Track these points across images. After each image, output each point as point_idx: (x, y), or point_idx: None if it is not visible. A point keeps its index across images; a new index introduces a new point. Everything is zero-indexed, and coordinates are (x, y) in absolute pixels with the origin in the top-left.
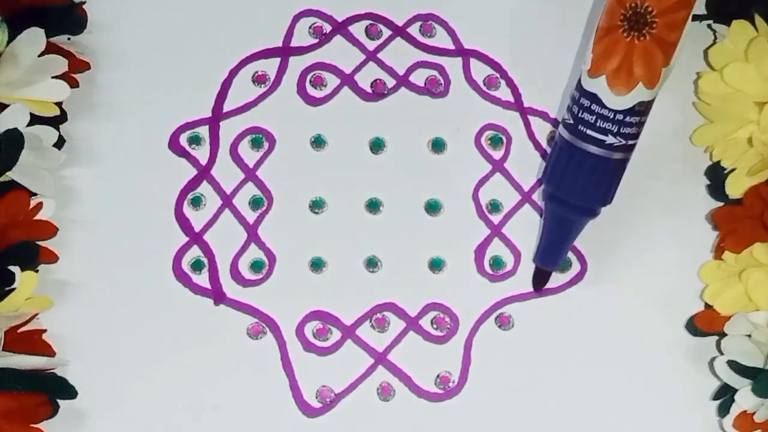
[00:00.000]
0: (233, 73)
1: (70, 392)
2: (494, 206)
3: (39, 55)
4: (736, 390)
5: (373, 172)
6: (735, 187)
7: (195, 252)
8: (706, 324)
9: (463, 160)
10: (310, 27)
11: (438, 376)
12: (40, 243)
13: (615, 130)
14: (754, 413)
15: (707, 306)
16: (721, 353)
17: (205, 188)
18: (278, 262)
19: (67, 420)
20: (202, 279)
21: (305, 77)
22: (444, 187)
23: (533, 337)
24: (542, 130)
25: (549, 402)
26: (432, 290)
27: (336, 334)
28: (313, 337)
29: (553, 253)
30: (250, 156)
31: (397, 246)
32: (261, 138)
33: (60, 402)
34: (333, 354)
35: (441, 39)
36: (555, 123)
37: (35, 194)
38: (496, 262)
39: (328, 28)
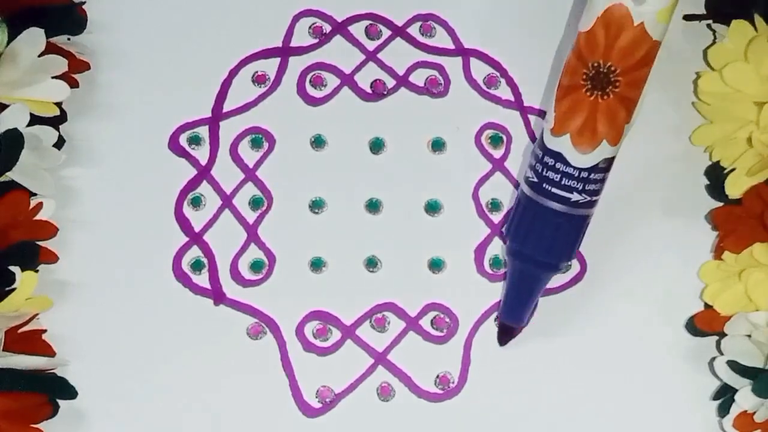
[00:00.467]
0: (233, 73)
1: (70, 392)
2: (494, 205)
3: (39, 56)
4: (736, 390)
5: (373, 172)
6: (735, 187)
7: (195, 252)
8: (706, 324)
9: (463, 159)
10: (309, 27)
11: (438, 376)
12: (40, 243)
13: (580, 188)
14: (754, 413)
15: (707, 306)
16: (721, 353)
17: (204, 188)
18: (278, 262)
19: (67, 420)
20: (202, 279)
21: (305, 77)
22: (444, 186)
23: (533, 338)
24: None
25: (549, 402)
26: (432, 290)
27: (336, 334)
28: (313, 337)
29: (518, 309)
30: (249, 156)
31: (397, 246)
32: (261, 138)
33: (60, 402)
34: (333, 354)
35: (441, 39)
36: None
37: (35, 194)
38: (496, 262)
39: (327, 28)
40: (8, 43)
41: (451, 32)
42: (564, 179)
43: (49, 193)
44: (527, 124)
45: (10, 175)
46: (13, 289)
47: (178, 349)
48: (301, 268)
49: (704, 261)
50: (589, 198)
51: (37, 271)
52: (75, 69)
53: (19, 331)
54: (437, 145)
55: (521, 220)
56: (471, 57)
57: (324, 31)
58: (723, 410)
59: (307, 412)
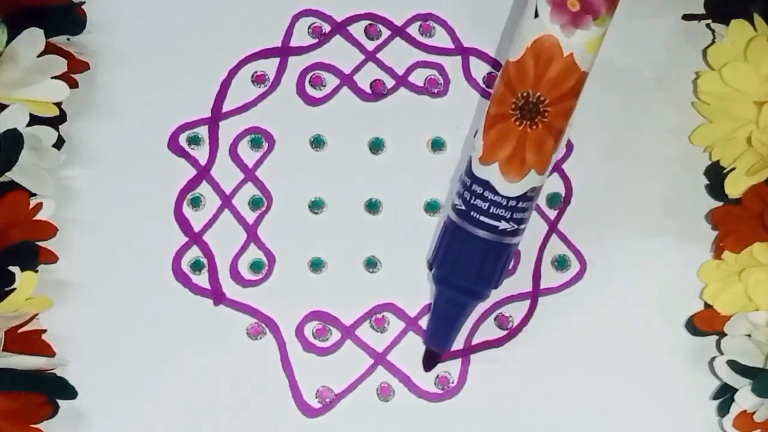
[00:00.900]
0: (232, 73)
1: (70, 392)
2: None
3: (38, 56)
4: (736, 390)
5: (372, 172)
6: (734, 187)
7: (195, 252)
8: (705, 324)
9: (463, 159)
10: (309, 27)
11: (438, 376)
12: (40, 243)
13: (508, 216)
14: (754, 413)
15: (707, 306)
16: (721, 353)
17: (204, 188)
18: (278, 263)
19: (67, 420)
20: (202, 279)
21: (304, 77)
22: (444, 186)
23: (533, 337)
24: None
25: (548, 402)
26: (432, 290)
27: (336, 335)
28: (313, 338)
29: (444, 335)
30: (249, 156)
31: (396, 246)
32: (260, 138)
33: (60, 402)
34: (333, 354)
35: (440, 38)
36: None
37: (35, 194)
38: None
39: (327, 28)
40: (8, 43)
41: (450, 32)
42: (492, 207)
43: (49, 194)
44: None
45: (10, 176)
46: (13, 290)
47: (178, 349)
48: (300, 268)
49: (704, 261)
50: (516, 226)
51: (36, 272)
52: (74, 69)
53: (19, 331)
54: (437, 145)
55: (448, 247)
56: (470, 56)
57: (323, 31)
58: (723, 410)
59: (307, 412)
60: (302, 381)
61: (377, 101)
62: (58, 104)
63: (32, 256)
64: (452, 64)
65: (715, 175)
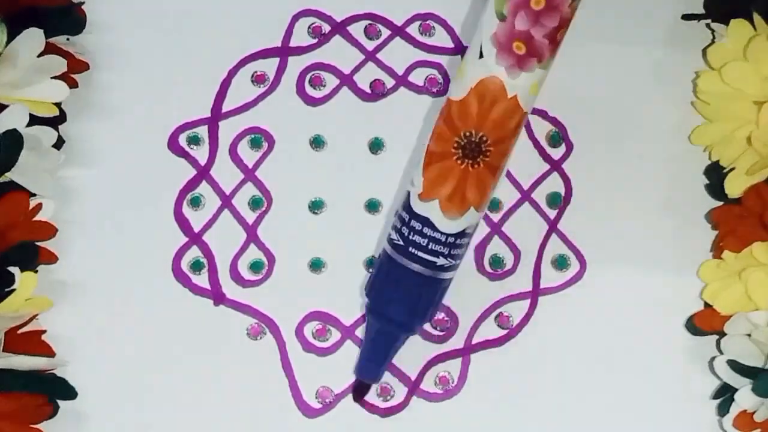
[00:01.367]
0: (232, 73)
1: (70, 393)
2: (494, 204)
3: (38, 56)
4: (736, 389)
5: (372, 172)
6: (734, 187)
7: (194, 252)
8: (705, 323)
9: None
10: (309, 27)
11: (438, 376)
12: (40, 244)
13: (446, 252)
14: (754, 413)
15: (707, 305)
16: (721, 353)
17: (204, 188)
18: (277, 263)
19: (67, 420)
20: (202, 279)
21: (304, 77)
22: None
23: (532, 337)
24: (541, 128)
25: (548, 402)
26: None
27: (335, 335)
28: (313, 338)
29: (374, 367)
30: (249, 156)
31: None
32: (260, 138)
33: (60, 402)
34: (333, 354)
35: (440, 38)
36: (554, 121)
37: (34, 195)
38: (496, 261)
39: (327, 28)
40: (8, 43)
41: (450, 31)
42: (431, 244)
43: (49, 194)
44: (526, 123)
45: (10, 176)
46: (13, 290)
47: (178, 349)
48: (300, 268)
49: (704, 260)
50: (453, 262)
51: (36, 272)
52: (74, 69)
53: (19, 331)
54: None
55: (384, 281)
56: None
57: (323, 31)
58: (723, 410)
59: (307, 412)
60: (302, 381)
61: (377, 101)
62: (58, 104)
63: (32, 257)
64: (452, 64)
65: (715, 175)
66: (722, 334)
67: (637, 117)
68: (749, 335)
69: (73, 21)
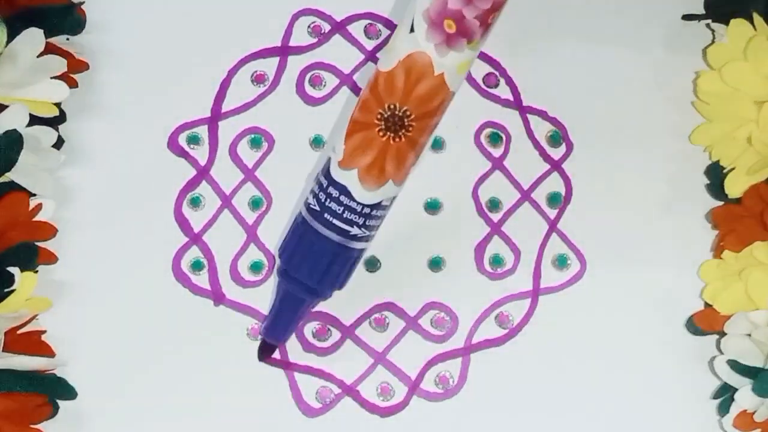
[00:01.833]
0: (232, 72)
1: (69, 393)
2: (494, 204)
3: (38, 56)
4: (736, 389)
5: None
6: (734, 186)
7: (194, 252)
8: (705, 323)
9: (463, 158)
10: (308, 26)
11: (438, 375)
12: (40, 244)
13: (361, 222)
14: (754, 412)
15: (707, 305)
16: (721, 352)
17: (204, 188)
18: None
19: (66, 420)
20: (202, 279)
21: (304, 77)
22: (443, 185)
23: (533, 336)
24: (541, 128)
25: (548, 401)
26: (431, 289)
27: (335, 335)
28: (313, 338)
29: (281, 328)
30: (249, 156)
31: (396, 245)
32: (260, 138)
33: (60, 402)
34: (333, 354)
35: None
36: (554, 121)
37: (34, 195)
38: (496, 261)
39: (326, 27)
40: (7, 43)
41: None
42: (346, 212)
43: (49, 194)
44: (526, 123)
45: (10, 176)
46: (13, 290)
47: (178, 349)
48: None
49: (704, 260)
50: (367, 233)
51: (36, 272)
52: (74, 69)
53: (19, 331)
54: (437, 144)
55: (297, 245)
56: None
57: (323, 31)
58: (723, 409)
59: (307, 412)
60: (302, 381)
61: None
62: (58, 104)
63: (32, 257)
64: None
65: (715, 175)
66: (722, 334)
67: (637, 117)
68: (749, 335)
69: (73, 21)
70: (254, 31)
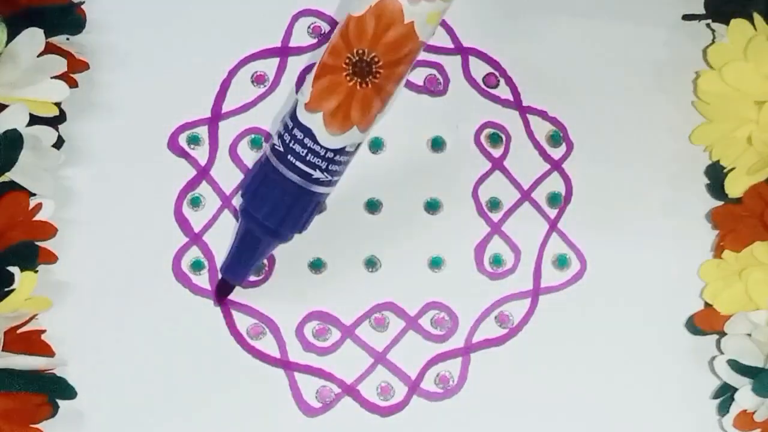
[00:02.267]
0: (232, 73)
1: (69, 392)
2: (494, 204)
3: (38, 56)
4: (736, 389)
5: (372, 171)
6: (735, 186)
7: (195, 252)
8: (706, 323)
9: (463, 158)
10: (308, 27)
11: (438, 375)
12: (40, 243)
13: (323, 167)
14: (754, 412)
15: (707, 305)
16: (721, 352)
17: (204, 188)
18: (278, 263)
19: (66, 420)
20: (202, 279)
21: (304, 77)
22: (443, 185)
23: (533, 337)
24: (541, 128)
25: (548, 401)
26: (432, 289)
27: (335, 334)
28: (313, 337)
29: (240, 268)
30: (249, 156)
31: (396, 245)
32: (260, 138)
33: (60, 402)
34: (333, 354)
35: (440, 38)
36: (554, 121)
37: (34, 195)
38: (496, 260)
39: (326, 28)
40: (8, 43)
41: (449, 31)
42: (309, 155)
43: (49, 194)
44: (526, 123)
45: (10, 176)
46: (13, 290)
47: (178, 349)
48: (300, 268)
49: (704, 260)
50: (330, 177)
51: (36, 272)
52: (74, 69)
53: (19, 331)
54: (437, 144)
55: (260, 185)
56: (470, 56)
57: (323, 31)
58: (723, 409)
59: (307, 411)
60: (302, 381)
61: None
62: (58, 104)
63: (31, 257)
64: (452, 64)
65: (715, 175)
66: (722, 334)
67: (637, 117)
68: (749, 335)
69: (73, 21)
70: (254, 32)
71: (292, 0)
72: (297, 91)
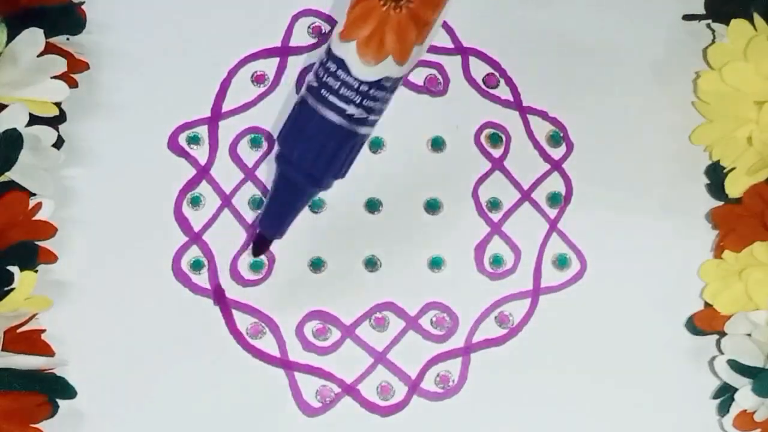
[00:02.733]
0: (232, 73)
1: (69, 392)
2: (494, 204)
3: (38, 56)
4: (736, 389)
5: (372, 171)
6: (735, 186)
7: (194, 252)
8: (706, 323)
9: (463, 158)
10: (308, 27)
11: (438, 375)
12: (40, 243)
13: (358, 101)
14: (754, 412)
15: (707, 305)
16: (721, 352)
17: (204, 188)
18: (278, 262)
19: (66, 420)
20: (202, 279)
21: (304, 77)
22: (443, 185)
23: (533, 337)
24: (541, 128)
25: (548, 401)
26: (432, 289)
27: (335, 334)
28: (313, 337)
29: (278, 220)
30: (249, 156)
31: (396, 245)
32: (260, 138)
33: (59, 402)
34: (333, 353)
35: (440, 38)
36: (554, 121)
37: (34, 194)
38: (496, 260)
39: (326, 27)
40: (8, 43)
41: (450, 31)
42: (343, 88)
43: (49, 193)
44: (526, 123)
45: (10, 175)
46: (13, 289)
47: (178, 348)
48: (301, 268)
49: (704, 260)
50: (365, 115)
51: (36, 271)
52: (74, 69)
53: (18, 330)
54: (437, 144)
55: (294, 125)
56: (470, 56)
57: (323, 31)
58: (723, 409)
59: (307, 411)
60: (302, 380)
61: None
62: (58, 104)
63: (32, 256)
64: (452, 64)
65: (715, 175)
66: (722, 334)
67: (637, 117)
68: (749, 335)
69: (73, 21)
70: (254, 31)
71: (292, 0)
72: (297, 91)
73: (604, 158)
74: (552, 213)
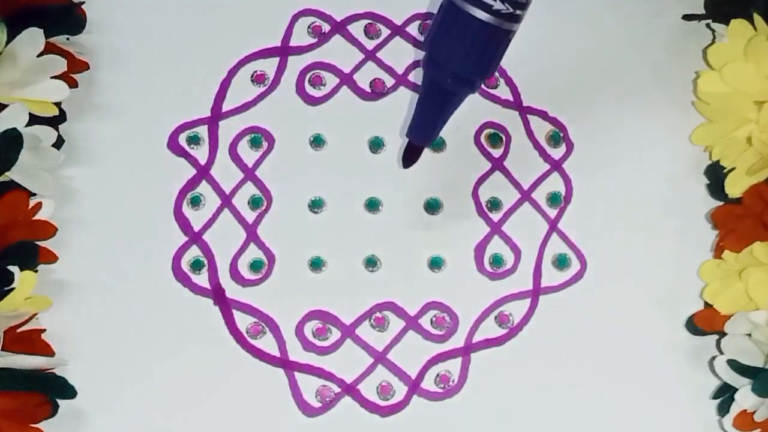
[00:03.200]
0: (232, 72)
1: (69, 392)
2: (494, 204)
3: (38, 56)
4: (736, 389)
5: (372, 171)
6: (735, 187)
7: (194, 252)
8: (706, 323)
9: (463, 158)
10: (308, 26)
11: (438, 375)
12: (40, 243)
13: None
14: (754, 412)
15: (707, 305)
16: (721, 352)
17: (204, 188)
18: (278, 262)
19: (66, 420)
20: (202, 279)
21: (304, 77)
22: (443, 185)
23: (533, 337)
24: (541, 128)
25: (548, 400)
26: (432, 289)
27: (335, 334)
28: (313, 337)
29: (428, 128)
30: (249, 155)
31: (396, 245)
32: (260, 138)
33: (59, 402)
34: (333, 353)
35: None
36: (554, 121)
37: (34, 194)
38: (496, 260)
39: (326, 27)
40: (8, 43)
41: None
42: None
43: (48, 193)
44: (526, 123)
45: (10, 175)
46: (13, 289)
47: (178, 348)
48: (300, 267)
49: (704, 260)
50: (511, 10)
51: (36, 271)
52: (74, 69)
53: (18, 330)
54: (437, 144)
55: (440, 26)
56: None
57: (323, 31)
58: (723, 409)
59: (307, 411)
60: (302, 380)
61: (377, 100)
62: (58, 104)
63: (32, 256)
64: None
65: (716, 175)
66: (722, 334)
67: (637, 117)
68: (749, 335)
69: (73, 21)
70: (254, 31)
71: (292, 0)
72: (297, 91)
73: (604, 158)
74: (552, 213)
